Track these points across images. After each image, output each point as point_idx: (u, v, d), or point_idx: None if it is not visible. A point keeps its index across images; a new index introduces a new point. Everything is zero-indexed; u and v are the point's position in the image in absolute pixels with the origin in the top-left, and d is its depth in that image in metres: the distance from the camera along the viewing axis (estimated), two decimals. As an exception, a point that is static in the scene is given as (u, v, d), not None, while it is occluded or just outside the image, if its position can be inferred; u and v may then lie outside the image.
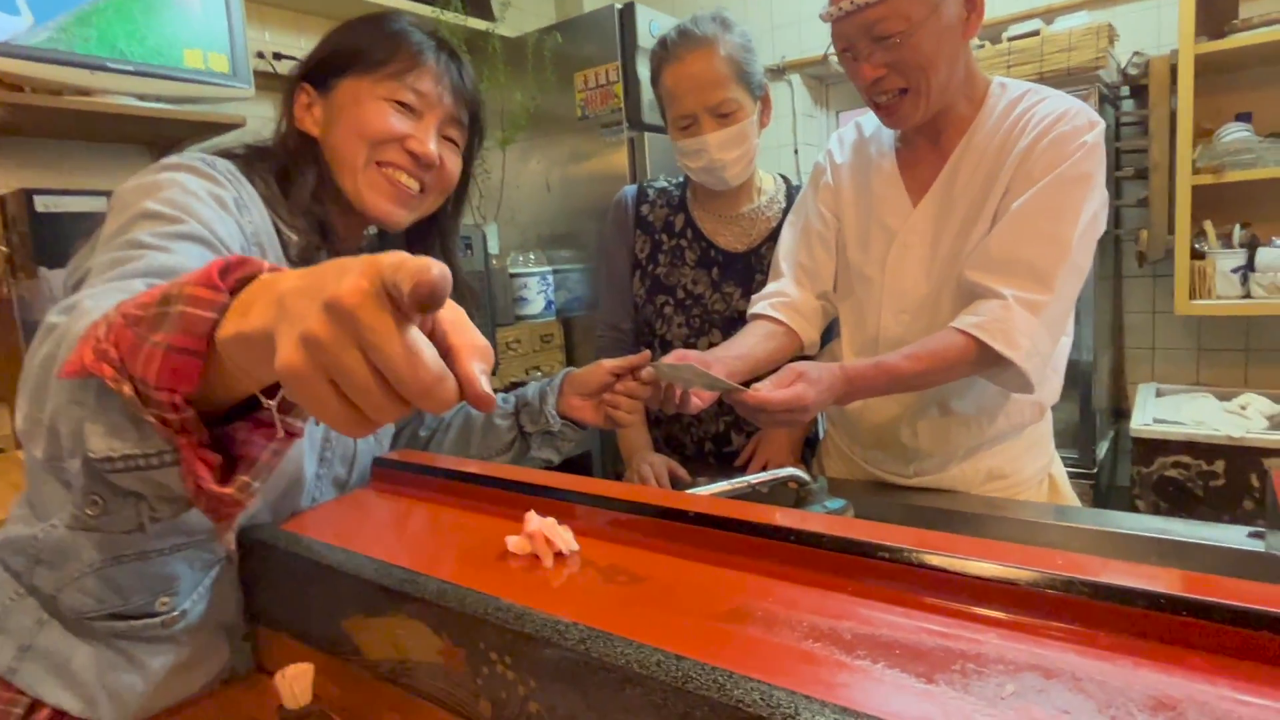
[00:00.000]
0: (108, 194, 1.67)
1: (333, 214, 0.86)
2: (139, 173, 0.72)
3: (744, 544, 0.62)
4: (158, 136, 1.95)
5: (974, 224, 1.03)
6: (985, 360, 0.96)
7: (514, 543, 0.66)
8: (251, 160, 0.83)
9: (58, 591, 0.69)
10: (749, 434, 1.37)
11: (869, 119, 1.18)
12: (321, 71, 0.86)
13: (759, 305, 1.20)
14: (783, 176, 1.44)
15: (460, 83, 0.89)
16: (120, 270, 0.57)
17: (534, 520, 0.66)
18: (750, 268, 1.35)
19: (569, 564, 0.64)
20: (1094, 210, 0.98)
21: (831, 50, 1.05)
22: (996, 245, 0.99)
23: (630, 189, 1.46)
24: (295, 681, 0.64)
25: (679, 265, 1.38)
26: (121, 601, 0.72)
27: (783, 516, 0.63)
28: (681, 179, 1.44)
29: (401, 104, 0.84)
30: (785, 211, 1.33)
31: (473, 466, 0.86)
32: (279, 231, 0.81)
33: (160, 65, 1.71)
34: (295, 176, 0.83)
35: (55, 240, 1.60)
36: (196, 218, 0.67)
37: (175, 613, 0.75)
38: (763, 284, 1.26)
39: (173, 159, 0.74)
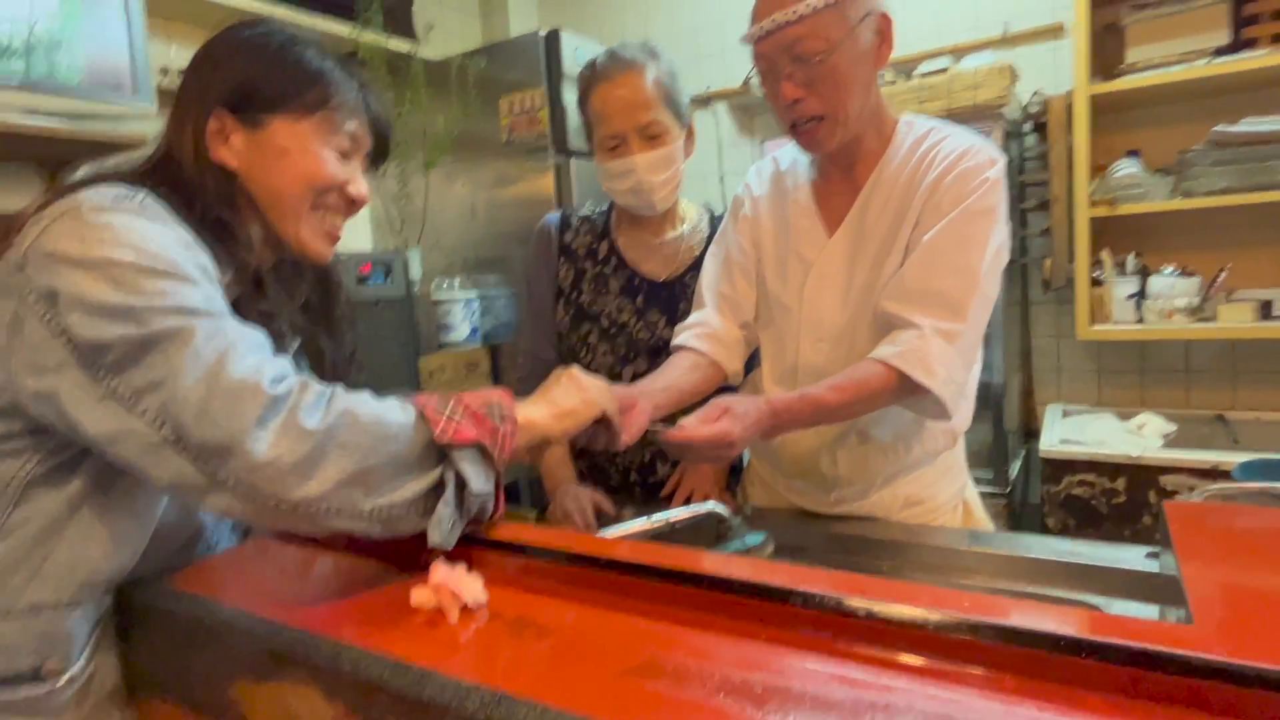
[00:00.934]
0: (-12, 216, 1.55)
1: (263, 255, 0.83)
2: (65, 219, 0.65)
3: (657, 590, 0.61)
4: (48, 155, 1.83)
5: (887, 255, 1.06)
6: (905, 389, 0.98)
7: (418, 596, 0.62)
8: (165, 197, 0.73)
9: None
10: (674, 464, 1.36)
11: (785, 152, 1.21)
12: (242, 102, 0.78)
13: (682, 336, 1.20)
14: (706, 206, 1.45)
15: (379, 116, 0.88)
16: (254, 337, 0.67)
17: (440, 571, 0.63)
18: (674, 296, 1.35)
19: (476, 617, 0.61)
20: (999, 243, 1.02)
21: (754, 73, 1.06)
22: (911, 276, 1.02)
23: (554, 216, 1.45)
24: (173, 758, 0.59)
25: (603, 293, 1.37)
26: (5, 663, 0.67)
27: (696, 560, 0.61)
28: (605, 207, 1.44)
29: (336, 149, 0.83)
30: (708, 240, 1.33)
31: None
32: None
33: (50, 79, 1.60)
34: (232, 223, 0.77)
35: (-75, 265, 1.47)
36: (192, 275, 0.67)
37: (63, 680, 0.70)
38: (687, 312, 1.26)
39: (98, 199, 0.67)
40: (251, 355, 0.64)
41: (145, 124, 1.84)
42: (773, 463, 1.24)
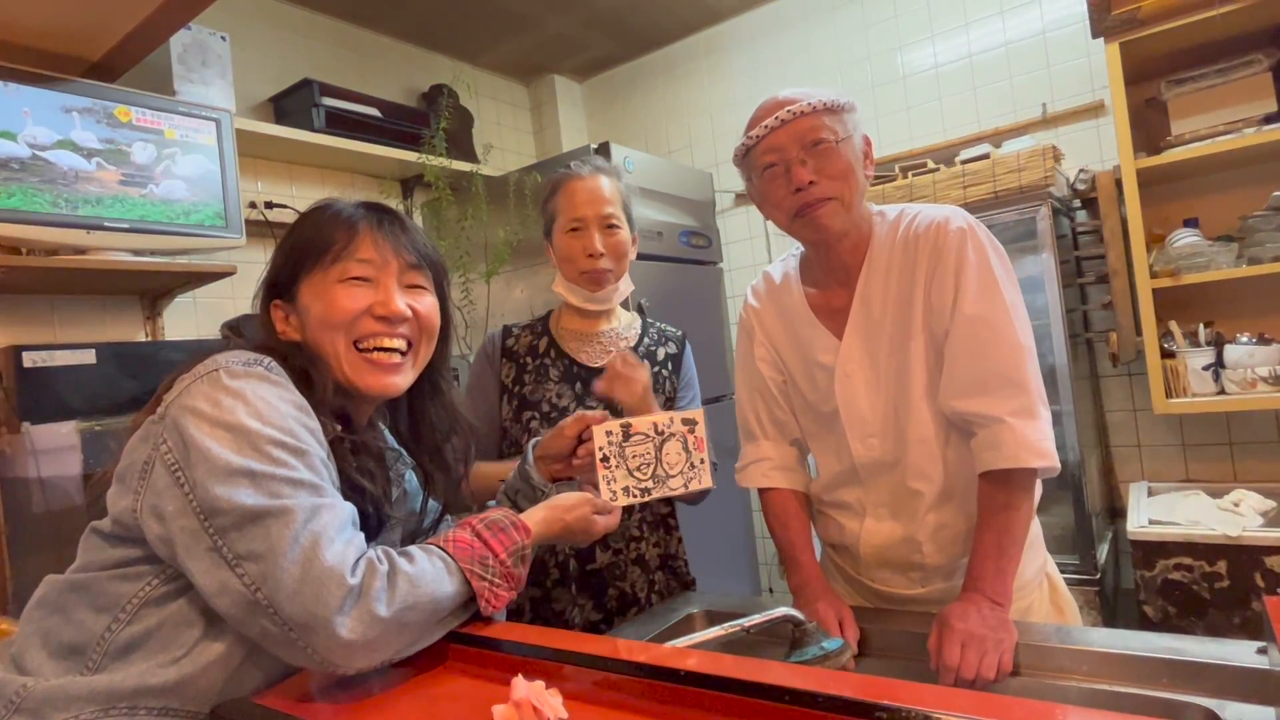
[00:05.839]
0: (95, 346, 1.70)
1: (345, 400, 0.89)
2: (204, 381, 0.75)
3: (737, 704, 0.60)
4: (148, 287, 2.00)
5: (910, 339, 1.10)
6: (1032, 475, 1.03)
7: (500, 713, 0.63)
8: (281, 363, 0.85)
9: None
10: (615, 551, 1.37)
11: (774, 267, 1.28)
12: (284, 284, 0.90)
13: (753, 477, 1.25)
14: (639, 309, 1.53)
15: (401, 233, 0.92)
16: (341, 518, 0.75)
17: (521, 687, 0.64)
18: None
19: (558, 735, 0.61)
20: (1012, 295, 1.05)
21: (743, 187, 1.15)
22: (962, 369, 1.04)
23: (497, 330, 1.54)
24: None
25: (543, 382, 1.43)
26: None
27: (778, 673, 0.61)
28: (544, 314, 1.53)
29: (355, 278, 0.87)
30: (641, 337, 1.46)
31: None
32: None
33: (155, 221, 1.77)
34: (311, 380, 0.85)
35: (41, 395, 1.60)
36: (305, 443, 0.76)
37: None
38: None
39: (232, 364, 0.77)
40: (339, 539, 0.72)
41: (235, 254, 2.01)
42: (852, 557, 1.22)
